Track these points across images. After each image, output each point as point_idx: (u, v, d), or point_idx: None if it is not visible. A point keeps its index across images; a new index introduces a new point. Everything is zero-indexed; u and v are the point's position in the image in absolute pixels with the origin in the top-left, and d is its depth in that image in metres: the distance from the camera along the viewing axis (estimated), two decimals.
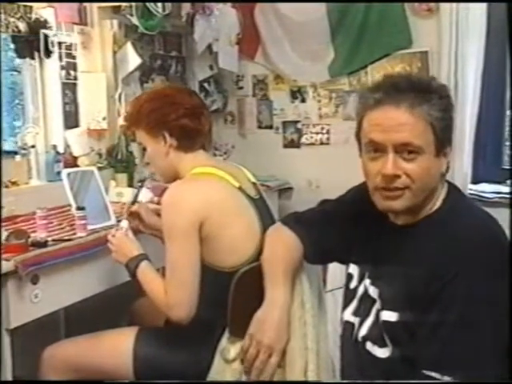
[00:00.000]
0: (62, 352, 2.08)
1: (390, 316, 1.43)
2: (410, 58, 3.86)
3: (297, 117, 4.41)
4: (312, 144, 4.34)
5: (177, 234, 1.88)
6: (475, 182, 3.76)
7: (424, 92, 1.38)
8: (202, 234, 1.88)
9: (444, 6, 3.63)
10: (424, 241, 1.42)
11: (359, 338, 1.52)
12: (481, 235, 1.37)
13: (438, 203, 1.45)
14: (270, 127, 4.51)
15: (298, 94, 4.39)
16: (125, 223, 2.11)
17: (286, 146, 4.47)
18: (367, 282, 1.53)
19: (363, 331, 1.51)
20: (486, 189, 3.71)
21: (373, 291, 1.50)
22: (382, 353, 1.46)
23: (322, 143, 4.31)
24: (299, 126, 4.41)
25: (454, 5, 3.55)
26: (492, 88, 3.70)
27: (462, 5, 3.53)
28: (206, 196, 1.92)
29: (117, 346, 2.03)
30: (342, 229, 1.63)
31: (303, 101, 4.38)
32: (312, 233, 1.68)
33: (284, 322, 1.65)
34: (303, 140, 4.39)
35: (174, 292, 1.88)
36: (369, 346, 1.49)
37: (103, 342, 2.07)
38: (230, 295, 1.83)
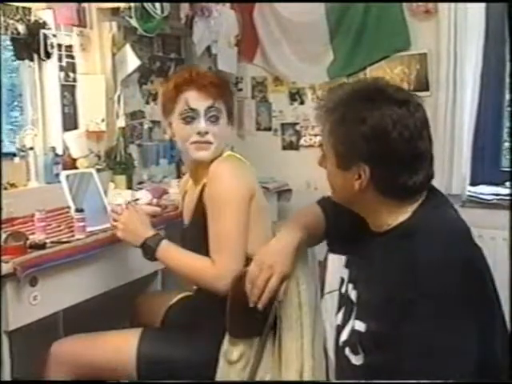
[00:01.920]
0: (68, 347, 2.09)
1: (359, 326, 1.42)
2: (409, 59, 3.85)
3: (295, 119, 4.41)
4: (311, 146, 4.33)
5: (232, 203, 1.90)
6: (474, 183, 3.75)
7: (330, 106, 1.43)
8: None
9: (442, 7, 3.63)
10: (388, 253, 1.40)
11: (340, 343, 1.52)
12: (443, 257, 1.32)
13: (406, 215, 1.42)
14: (269, 129, 4.52)
15: (296, 95, 4.39)
16: (121, 200, 2.09)
17: (284, 148, 4.47)
18: (350, 286, 1.54)
19: (343, 336, 1.51)
20: (485, 191, 3.70)
21: (354, 296, 1.51)
22: (356, 360, 1.44)
23: (320, 145, 4.29)
24: (298, 127, 4.41)
25: (453, 6, 3.54)
26: (491, 90, 3.69)
27: (461, 6, 3.53)
28: (252, 175, 2.01)
29: (121, 345, 2.03)
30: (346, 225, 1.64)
31: (302, 103, 4.38)
32: (334, 215, 1.70)
33: (289, 252, 1.67)
34: (302, 142, 4.39)
35: (226, 262, 1.87)
36: (347, 351, 1.48)
37: (109, 340, 2.08)
38: (229, 295, 1.82)
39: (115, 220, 2.07)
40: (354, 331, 1.45)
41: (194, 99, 1.98)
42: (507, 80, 3.63)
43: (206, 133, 1.98)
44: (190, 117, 1.98)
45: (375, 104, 1.36)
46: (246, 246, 1.92)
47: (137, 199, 2.09)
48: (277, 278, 1.65)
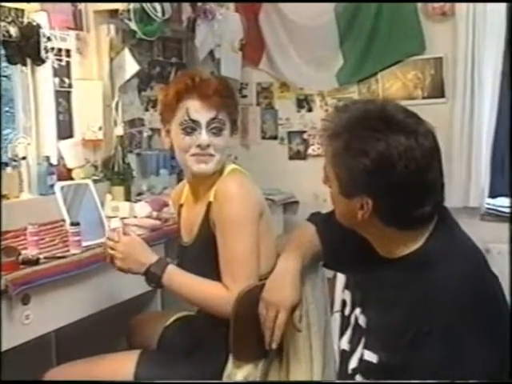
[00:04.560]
0: (63, 375, 2.06)
1: (370, 356, 1.42)
2: (423, 64, 3.87)
3: (303, 127, 4.42)
4: (319, 155, 4.31)
5: (245, 224, 1.88)
6: (493, 196, 3.74)
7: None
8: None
9: (460, 8, 3.64)
10: (401, 281, 1.40)
11: (349, 370, 1.51)
12: (460, 289, 1.32)
13: (418, 243, 1.42)
14: (275, 138, 4.53)
15: (304, 102, 4.40)
16: (117, 223, 2.07)
17: (291, 158, 4.48)
18: (358, 310, 1.53)
19: (353, 363, 1.50)
20: (505, 203, 3.68)
21: (363, 321, 1.50)
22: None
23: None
24: (305, 136, 4.42)
25: (471, 7, 3.55)
26: (511, 97, 3.68)
27: (479, 7, 3.53)
28: (259, 191, 2.00)
29: (118, 370, 2.00)
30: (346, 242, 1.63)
31: (310, 110, 4.40)
32: (329, 233, 1.72)
33: (292, 283, 1.70)
34: (310, 151, 4.39)
35: (240, 287, 1.84)
36: (358, 378, 1.47)
37: (104, 365, 2.05)
38: (232, 316, 1.81)
39: (112, 248, 1.99)
40: (363, 361, 1.44)
41: (196, 110, 1.94)
42: None
43: (208, 146, 1.94)
44: (190, 127, 1.94)
45: (381, 134, 1.34)
46: (259, 266, 1.90)
47: (134, 216, 2.04)
48: (284, 315, 1.69)
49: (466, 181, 3.64)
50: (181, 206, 2.17)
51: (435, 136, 1.40)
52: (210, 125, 1.94)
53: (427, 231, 1.42)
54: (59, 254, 2.27)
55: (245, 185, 1.94)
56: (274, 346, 1.71)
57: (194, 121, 1.94)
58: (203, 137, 1.93)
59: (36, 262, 2.15)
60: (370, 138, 1.34)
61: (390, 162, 1.33)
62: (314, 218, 1.83)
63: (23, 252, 2.20)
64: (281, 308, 1.69)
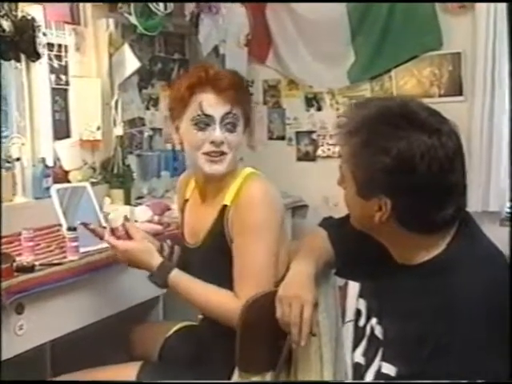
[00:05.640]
0: None
1: (388, 369, 1.40)
2: (440, 60, 3.85)
3: (312, 127, 4.43)
4: (329, 157, 4.33)
5: (269, 231, 1.88)
6: None
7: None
8: None
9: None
10: (422, 289, 1.39)
11: None
12: (485, 297, 1.32)
13: (439, 248, 1.41)
14: (283, 138, 4.53)
15: (313, 101, 4.41)
16: (115, 222, 2.05)
17: (300, 159, 4.49)
18: (374, 320, 1.52)
19: (369, 377, 1.49)
20: None
21: (379, 332, 1.48)
22: None
23: (340, 156, 4.28)
24: (315, 136, 4.42)
25: None
26: None
27: None
28: (281, 197, 2.02)
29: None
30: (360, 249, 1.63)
31: (319, 109, 4.40)
32: (343, 239, 1.72)
33: (309, 280, 1.69)
34: (319, 152, 4.40)
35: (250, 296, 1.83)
36: None
37: (103, 377, 2.04)
38: (239, 326, 1.79)
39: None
40: (381, 374, 1.43)
41: (210, 104, 1.92)
42: None
43: (222, 142, 1.93)
44: (203, 122, 1.93)
45: (403, 132, 1.34)
46: (274, 277, 1.89)
47: (134, 221, 2.03)
48: (309, 308, 1.66)
49: (486, 184, 3.62)
50: (186, 200, 2.16)
51: (459, 136, 1.39)
52: (224, 120, 1.93)
53: (448, 236, 1.41)
54: (55, 261, 2.26)
55: (270, 191, 1.94)
56: (302, 343, 1.67)
57: (207, 115, 1.92)
58: (217, 133, 1.92)
59: (31, 269, 2.13)
60: (391, 136, 1.34)
61: (411, 161, 1.32)
62: (326, 223, 1.83)
63: (17, 258, 2.18)
64: (305, 302, 1.66)
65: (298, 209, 4.24)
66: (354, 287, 2.51)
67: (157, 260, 1.95)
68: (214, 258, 1.95)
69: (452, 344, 1.29)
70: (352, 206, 1.48)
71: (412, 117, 1.36)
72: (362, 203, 1.42)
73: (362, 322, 1.58)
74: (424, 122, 1.35)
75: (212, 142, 1.92)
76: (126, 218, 2.21)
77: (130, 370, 2.02)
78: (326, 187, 4.18)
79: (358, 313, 1.61)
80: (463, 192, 1.41)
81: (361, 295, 1.62)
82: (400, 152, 1.32)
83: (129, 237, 2.04)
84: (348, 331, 2.12)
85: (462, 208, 1.41)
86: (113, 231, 2.02)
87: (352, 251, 1.67)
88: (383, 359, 1.43)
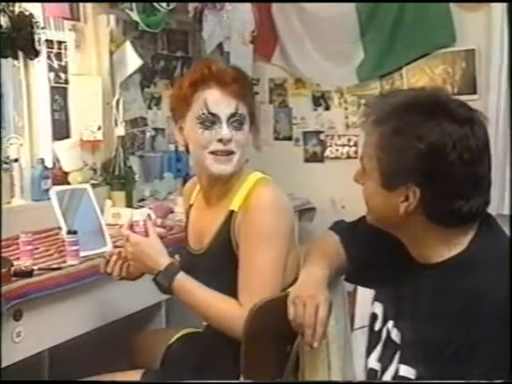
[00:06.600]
0: None
1: (407, 371, 1.41)
2: (453, 57, 3.85)
3: (320, 126, 4.42)
4: (337, 158, 4.34)
5: (278, 239, 1.89)
6: None
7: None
8: None
9: None
10: (444, 289, 1.39)
11: None
12: (508, 298, 1.32)
13: (461, 246, 1.41)
14: (289, 138, 4.53)
15: (321, 100, 4.41)
16: (139, 215, 2.05)
17: (307, 160, 4.48)
18: (390, 323, 1.52)
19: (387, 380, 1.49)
20: None
21: (396, 335, 1.49)
22: None
23: (348, 157, 4.31)
24: (322, 137, 4.42)
25: None
26: None
27: None
28: (291, 204, 2.03)
29: None
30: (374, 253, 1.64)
31: (327, 108, 4.40)
32: (356, 242, 1.72)
33: (322, 282, 1.67)
34: (327, 153, 4.40)
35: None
36: None
37: None
38: (244, 333, 1.79)
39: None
40: (399, 377, 1.43)
41: (215, 101, 1.92)
42: None
43: (230, 140, 1.92)
44: (209, 121, 1.92)
45: (435, 120, 1.36)
46: (280, 285, 1.89)
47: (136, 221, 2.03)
48: (325, 307, 1.63)
49: (501, 186, 3.62)
50: (190, 206, 2.16)
51: (487, 129, 1.41)
52: (230, 118, 1.93)
53: (471, 232, 1.42)
54: (55, 265, 2.26)
55: (281, 198, 1.95)
56: (315, 345, 1.63)
57: (213, 114, 1.92)
58: (224, 131, 1.92)
59: (29, 273, 2.14)
60: (423, 123, 1.36)
61: (443, 150, 1.34)
62: (338, 226, 1.81)
63: (15, 263, 2.19)
64: (320, 302, 1.63)
65: (305, 212, 4.23)
66: (363, 293, 2.52)
67: (166, 259, 1.95)
68: (218, 264, 1.95)
69: (476, 346, 1.30)
70: (373, 199, 1.48)
71: (443, 106, 1.39)
72: (385, 195, 1.43)
73: (377, 326, 1.58)
74: (455, 112, 1.38)
75: (220, 140, 1.91)
76: (149, 217, 2.20)
77: (131, 379, 2.02)
78: (334, 189, 4.21)
79: (374, 317, 1.60)
80: (488, 186, 1.42)
81: (376, 299, 1.62)
82: (433, 139, 1.34)
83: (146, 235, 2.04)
84: (357, 338, 2.13)
85: (487, 202, 1.42)
86: (131, 226, 2.01)
87: (366, 255, 1.66)
88: (401, 361, 1.43)
